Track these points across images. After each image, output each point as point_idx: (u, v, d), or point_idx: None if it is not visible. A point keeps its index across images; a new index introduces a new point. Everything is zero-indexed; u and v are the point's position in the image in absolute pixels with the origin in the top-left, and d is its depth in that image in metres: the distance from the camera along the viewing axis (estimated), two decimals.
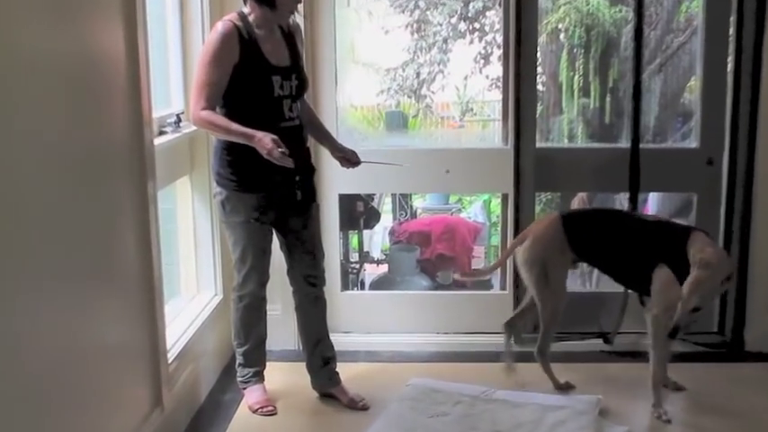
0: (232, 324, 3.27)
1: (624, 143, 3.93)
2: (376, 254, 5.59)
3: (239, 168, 2.97)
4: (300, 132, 3.07)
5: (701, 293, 2.76)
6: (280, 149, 2.76)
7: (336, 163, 3.31)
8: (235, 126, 2.84)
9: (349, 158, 3.14)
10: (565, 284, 3.23)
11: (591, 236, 3.11)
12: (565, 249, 3.15)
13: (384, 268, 5.23)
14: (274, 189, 2.98)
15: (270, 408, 3.21)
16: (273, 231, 3.17)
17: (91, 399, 2.34)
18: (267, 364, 3.37)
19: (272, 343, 3.70)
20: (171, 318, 3.21)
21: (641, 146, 3.78)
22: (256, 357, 3.28)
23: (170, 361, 2.96)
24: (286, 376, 3.50)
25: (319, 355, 3.29)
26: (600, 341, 3.73)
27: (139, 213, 2.69)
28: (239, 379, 3.30)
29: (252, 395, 3.26)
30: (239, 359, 3.29)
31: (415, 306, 4.00)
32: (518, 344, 3.81)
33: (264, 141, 2.77)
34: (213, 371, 3.55)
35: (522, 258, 3.22)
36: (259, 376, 3.30)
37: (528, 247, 3.21)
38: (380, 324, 3.93)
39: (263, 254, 3.12)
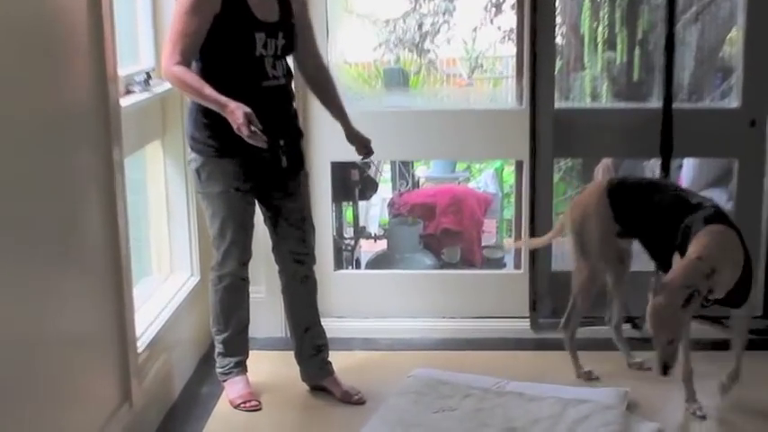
0: (210, 308, 3.28)
1: (655, 103, 3.93)
2: (373, 229, 5.59)
3: (216, 132, 2.97)
4: (285, 92, 3.06)
5: (663, 326, 2.71)
6: (252, 127, 2.77)
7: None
8: (208, 90, 2.83)
9: (366, 145, 3.18)
10: (606, 260, 3.25)
11: (634, 208, 3.14)
12: (607, 220, 3.17)
13: (382, 245, 5.23)
14: (256, 155, 2.97)
15: (253, 403, 3.23)
16: (256, 203, 3.17)
17: (49, 394, 2.34)
18: (250, 353, 3.38)
19: (256, 329, 3.71)
20: (141, 301, 3.21)
21: (674, 106, 3.78)
22: (238, 346, 3.29)
23: (140, 350, 2.96)
24: (272, 367, 3.51)
25: (309, 342, 3.31)
26: (628, 326, 3.74)
27: (104, 183, 2.68)
28: (219, 370, 3.32)
29: (233, 388, 3.27)
30: (219, 348, 3.30)
31: (417, 287, 4.00)
32: (534, 330, 3.83)
33: (236, 114, 2.78)
34: (189, 361, 3.56)
35: (564, 225, 3.31)
36: (241, 367, 3.31)
37: (567, 213, 3.29)
38: (378, 308, 3.95)
39: (245, 228, 3.13)
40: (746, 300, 2.92)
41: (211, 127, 2.98)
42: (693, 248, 2.81)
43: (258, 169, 3.03)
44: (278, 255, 3.26)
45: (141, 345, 3.00)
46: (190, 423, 3.15)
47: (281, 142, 3.03)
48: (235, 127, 2.79)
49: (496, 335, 3.81)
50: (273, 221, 3.20)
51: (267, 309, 3.79)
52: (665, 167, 3.83)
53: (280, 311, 3.55)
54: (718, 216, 2.94)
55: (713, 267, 2.76)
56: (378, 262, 4.99)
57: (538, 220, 3.86)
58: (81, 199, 2.57)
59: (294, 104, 3.14)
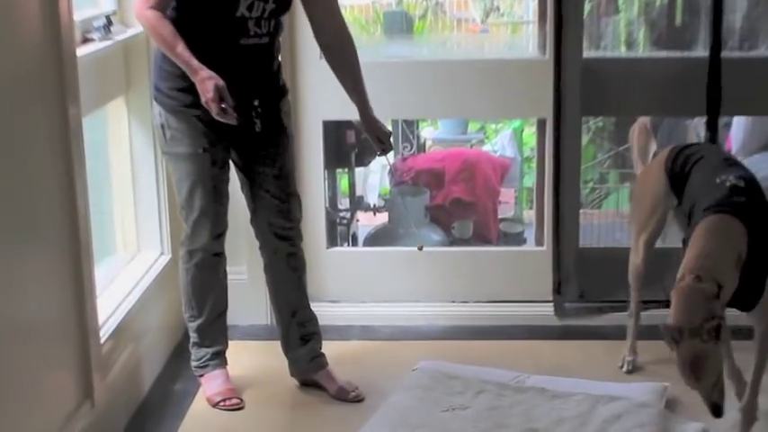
0: (182, 290, 3.28)
1: (701, 51, 3.90)
2: (372, 199, 5.59)
3: (182, 82, 2.96)
4: (266, 50, 3.04)
5: (701, 375, 2.60)
6: (222, 104, 2.80)
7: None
8: (181, 48, 2.85)
9: (382, 140, 3.16)
10: (656, 231, 3.23)
11: (683, 179, 3.08)
12: (663, 189, 3.13)
13: (383, 218, 5.23)
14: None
15: (234, 401, 3.23)
16: (230, 164, 3.16)
17: None
18: (231, 343, 3.38)
19: (237, 316, 3.71)
20: (104, 284, 3.21)
21: (723, 54, 3.75)
22: (215, 334, 3.29)
23: (102, 340, 2.96)
24: (255, 359, 3.51)
25: (297, 330, 3.30)
26: (667, 311, 3.73)
27: (59, 148, 2.66)
28: (194, 363, 3.31)
29: (211, 384, 3.27)
30: (193, 337, 3.30)
31: (423, 267, 4.00)
32: (559, 316, 3.82)
33: (207, 86, 2.81)
34: (160, 353, 3.56)
35: None
36: (219, 359, 3.30)
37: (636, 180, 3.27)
38: (378, 291, 3.94)
39: (217, 195, 3.12)
40: (756, 302, 2.80)
41: (176, 77, 2.97)
42: (688, 256, 2.71)
43: (229, 132, 3.01)
44: (257, 228, 3.26)
45: (104, 334, 3.00)
46: (161, 424, 3.15)
47: (256, 103, 3.02)
48: (203, 100, 2.83)
49: (515, 322, 3.81)
50: (250, 190, 3.20)
51: (249, 292, 3.78)
52: (712, 127, 3.80)
53: (264, 295, 3.55)
54: (726, 200, 2.78)
55: (718, 282, 2.62)
56: (377, 238, 4.99)
57: (563, 188, 3.84)
58: (32, 166, 2.54)
59: (278, 59, 3.13)
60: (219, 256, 3.23)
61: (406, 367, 3.39)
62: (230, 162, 3.17)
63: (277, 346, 3.38)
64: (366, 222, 5.35)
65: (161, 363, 3.54)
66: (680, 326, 2.59)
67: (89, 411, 2.82)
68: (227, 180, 3.16)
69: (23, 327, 2.48)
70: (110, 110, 3.47)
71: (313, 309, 3.36)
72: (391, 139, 3.21)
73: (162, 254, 3.65)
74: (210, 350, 3.29)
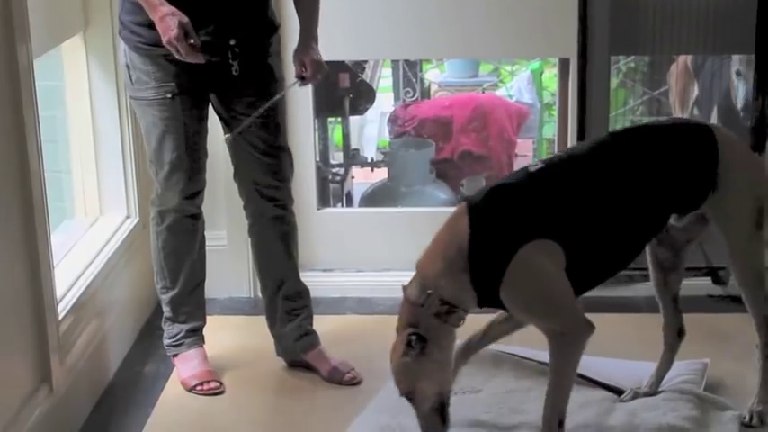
0: (153, 257, 3.29)
1: None
2: (369, 153, 5.58)
3: (147, 15, 2.94)
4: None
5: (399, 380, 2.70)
6: (188, 41, 2.79)
7: None
8: None
9: (307, 67, 3.10)
10: None
11: None
12: None
13: (382, 174, 5.22)
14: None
15: (213, 384, 3.25)
16: (209, 112, 3.16)
17: None
18: (209, 318, 3.40)
19: (216, 288, 3.74)
20: (61, 253, 3.22)
21: None
22: (190, 308, 3.31)
23: (61, 317, 2.97)
24: (237, 336, 3.54)
25: (284, 304, 3.32)
26: (708, 281, 3.74)
27: (6, 94, 2.65)
28: (166, 341, 3.34)
29: (186, 366, 3.29)
30: (166, 311, 3.32)
31: (428, 230, 3.97)
32: None
33: (167, 24, 2.81)
34: (127, 330, 3.58)
35: None
36: (195, 336, 3.33)
37: None
38: (377, 258, 3.95)
39: (191, 148, 3.12)
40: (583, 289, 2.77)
41: (140, 8, 2.95)
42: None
43: (205, 71, 2.99)
44: (240, 186, 3.26)
45: (62, 310, 3.01)
46: (130, 411, 3.17)
47: (232, 42, 2.99)
48: (164, 40, 2.83)
49: None
50: (233, 142, 3.18)
51: (230, 260, 3.81)
52: (762, 68, 3.79)
53: (246, 263, 3.56)
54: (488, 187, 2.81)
55: (425, 285, 2.67)
56: (375, 197, 5.01)
57: (589, 138, 3.82)
58: None
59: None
60: (196, 218, 3.23)
61: None
62: (209, 109, 3.16)
63: (262, 321, 3.39)
64: (362, 179, 5.34)
65: (129, 342, 3.56)
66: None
67: (47, 396, 2.84)
68: (203, 131, 3.16)
69: None
70: (65, 50, 3.46)
71: (303, 279, 3.37)
72: (319, 76, 3.14)
73: (128, 217, 3.66)
74: (185, 326, 3.30)
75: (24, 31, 2.71)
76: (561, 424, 2.72)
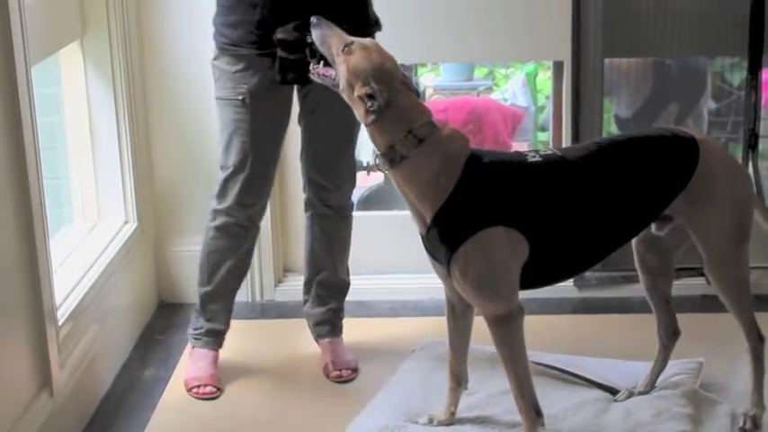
0: (201, 250, 3.32)
1: None
2: (365, 157, 5.57)
3: (230, 15, 3.02)
4: None
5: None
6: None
7: None
8: None
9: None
10: None
11: None
12: None
13: (378, 177, 5.22)
14: (269, 55, 2.98)
15: (209, 389, 3.26)
16: (286, 122, 3.19)
17: None
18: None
19: None
20: (61, 258, 3.22)
21: None
22: (217, 309, 3.34)
23: (60, 322, 2.97)
24: (237, 339, 3.53)
25: (317, 288, 3.40)
26: (703, 281, 3.75)
27: (4, 101, 2.65)
28: (190, 330, 3.39)
29: (193, 365, 3.32)
30: (197, 302, 3.36)
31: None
32: (579, 287, 3.84)
33: None
34: (127, 335, 3.59)
35: None
36: (213, 338, 3.36)
37: None
38: (374, 261, 3.96)
39: (256, 153, 3.15)
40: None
41: (225, 9, 3.05)
42: None
43: (282, 72, 3.00)
44: (302, 169, 3.33)
45: (62, 315, 3.01)
46: (130, 415, 3.17)
47: (309, 39, 2.85)
48: None
49: (530, 294, 3.70)
50: (303, 131, 3.25)
51: None
52: (754, 69, 3.81)
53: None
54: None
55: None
56: (372, 200, 5.00)
57: (583, 140, 3.83)
58: None
59: None
60: (245, 228, 3.25)
61: (405, 347, 3.43)
62: (289, 120, 3.19)
63: (260, 324, 3.42)
64: (359, 183, 5.33)
65: (128, 347, 3.57)
66: None
67: (47, 402, 2.84)
68: (276, 140, 3.19)
69: None
70: (63, 57, 3.46)
71: (300, 281, 3.43)
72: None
73: (126, 222, 3.66)
74: (207, 325, 3.34)
75: (23, 37, 2.70)
76: (539, 414, 2.73)
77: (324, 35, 2.70)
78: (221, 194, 3.20)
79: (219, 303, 3.33)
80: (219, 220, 3.23)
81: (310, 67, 2.73)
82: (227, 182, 3.18)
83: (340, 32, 2.71)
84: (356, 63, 2.64)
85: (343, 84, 2.67)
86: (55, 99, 3.52)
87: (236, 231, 3.25)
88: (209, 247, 3.29)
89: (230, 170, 3.16)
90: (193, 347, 3.35)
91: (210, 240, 3.27)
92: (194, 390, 3.25)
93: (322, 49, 2.71)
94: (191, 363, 3.33)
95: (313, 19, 2.72)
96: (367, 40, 2.71)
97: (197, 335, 3.35)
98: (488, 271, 2.63)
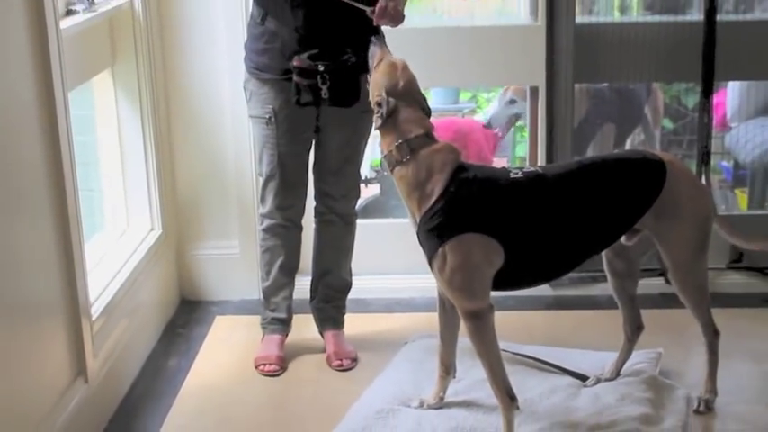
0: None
1: (695, 15, 3.92)
2: (364, 171, 5.57)
3: (259, 43, 3.05)
4: (338, 4, 2.93)
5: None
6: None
7: None
8: None
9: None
10: None
11: None
12: None
13: (375, 189, 5.22)
14: (290, 79, 2.98)
15: (272, 367, 3.30)
16: (307, 136, 3.19)
17: None
18: (222, 318, 3.50)
19: (231, 291, 3.77)
20: (94, 261, 3.23)
21: (719, 18, 3.76)
22: (278, 301, 3.37)
23: (94, 317, 2.97)
24: (249, 333, 3.53)
25: (323, 287, 3.41)
26: (661, 281, 3.76)
27: (45, 123, 2.66)
28: (260, 320, 3.43)
29: (263, 347, 3.37)
30: (261, 296, 3.41)
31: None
32: (552, 286, 3.84)
33: None
34: (153, 328, 3.59)
35: None
36: (278, 325, 3.39)
37: None
38: (370, 262, 3.95)
39: (284, 164, 3.18)
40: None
41: (255, 37, 3.08)
42: None
43: (298, 97, 3.01)
44: (313, 178, 3.33)
45: (96, 311, 3.01)
46: (155, 401, 3.17)
47: (321, 68, 2.94)
48: None
49: (507, 292, 3.78)
50: (316, 145, 3.25)
51: (241, 267, 3.82)
52: (707, 92, 3.82)
53: (255, 270, 3.56)
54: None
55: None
56: (369, 209, 4.99)
57: (556, 157, 3.85)
58: (18, 144, 2.54)
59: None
60: (286, 228, 3.28)
61: (399, 340, 3.43)
62: (311, 133, 3.19)
63: None
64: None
65: (154, 339, 3.57)
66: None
67: (83, 387, 2.84)
68: (299, 153, 3.20)
69: (15, 306, 2.49)
70: (96, 84, 3.46)
71: (304, 282, 3.42)
72: (386, 19, 2.94)
73: (152, 229, 3.66)
74: (271, 314, 3.38)
75: (60, 67, 2.72)
76: (514, 398, 2.74)
77: (373, 51, 2.79)
78: (262, 200, 3.26)
79: (279, 295, 3.36)
80: (265, 223, 3.28)
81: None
82: (264, 189, 3.24)
83: (385, 51, 2.80)
84: (377, 76, 2.73)
85: (370, 90, 2.74)
86: (89, 120, 3.51)
87: (279, 231, 3.28)
88: (262, 248, 3.33)
89: (264, 178, 3.22)
90: (263, 334, 3.38)
91: (262, 242, 3.31)
92: (261, 367, 3.30)
93: (370, 62, 2.79)
94: (261, 345, 3.37)
95: (372, 38, 2.81)
96: (397, 59, 2.78)
97: (264, 323, 3.39)
98: (462, 271, 2.64)
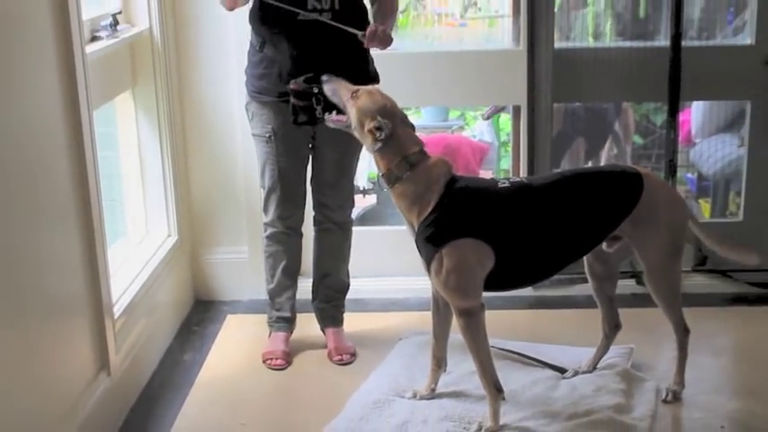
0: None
1: (662, 41, 3.92)
2: (361, 182, 5.59)
3: (257, 68, 3.06)
4: (332, 29, 2.94)
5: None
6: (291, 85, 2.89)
7: None
8: None
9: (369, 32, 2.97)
10: None
11: None
12: None
13: (372, 199, 5.23)
14: (287, 101, 2.98)
15: (278, 362, 3.30)
16: (304, 153, 3.20)
17: (21, 365, 2.35)
18: (233, 317, 3.48)
19: (240, 292, 3.77)
20: (116, 264, 3.23)
21: (683, 44, 3.78)
22: (282, 301, 3.38)
23: (116, 316, 2.98)
24: (258, 331, 3.53)
25: (324, 288, 3.41)
26: (633, 282, 3.77)
27: (72, 139, 2.67)
28: (267, 320, 3.42)
29: (270, 343, 3.37)
30: (267, 297, 3.41)
31: (410, 244, 3.98)
32: (534, 287, 3.85)
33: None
34: (170, 326, 3.60)
35: None
36: (283, 323, 3.39)
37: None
38: (368, 266, 3.96)
39: (284, 178, 3.19)
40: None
41: (255, 63, 3.09)
42: None
43: (294, 117, 2.99)
44: (311, 189, 3.33)
45: (118, 310, 3.02)
46: (172, 392, 3.18)
47: (315, 90, 2.90)
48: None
49: (494, 293, 3.78)
50: (313, 159, 3.25)
51: (250, 269, 3.82)
52: (673, 111, 3.84)
53: (263, 273, 3.56)
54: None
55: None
56: (367, 218, 5.00)
57: (537, 170, 3.86)
58: (48, 158, 2.55)
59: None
60: (287, 234, 3.29)
61: (394, 337, 3.44)
62: (307, 150, 3.20)
63: None
64: (356, 204, 5.33)
65: (171, 335, 3.57)
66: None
67: (106, 380, 2.85)
68: (298, 164, 3.21)
69: (44, 305, 2.50)
70: (118, 103, 3.47)
71: (306, 284, 3.43)
72: (376, 42, 2.97)
73: (169, 236, 3.66)
74: (277, 314, 3.39)
75: (86, 89, 2.73)
76: (500, 390, 2.75)
77: (334, 88, 2.75)
78: (265, 210, 3.27)
79: (283, 296, 3.36)
80: (268, 231, 3.29)
81: (325, 116, 2.78)
82: (266, 200, 3.24)
83: (346, 84, 2.75)
84: (363, 104, 2.69)
85: (354, 123, 2.70)
86: (111, 137, 3.52)
87: (281, 238, 3.29)
88: (266, 253, 3.33)
89: (266, 191, 3.23)
90: (270, 332, 3.39)
91: (266, 248, 3.32)
92: (268, 361, 3.30)
93: (334, 100, 2.74)
94: (268, 342, 3.37)
95: (324, 77, 2.76)
96: (370, 87, 2.77)
97: (270, 322, 3.39)
98: (457, 273, 2.66)
